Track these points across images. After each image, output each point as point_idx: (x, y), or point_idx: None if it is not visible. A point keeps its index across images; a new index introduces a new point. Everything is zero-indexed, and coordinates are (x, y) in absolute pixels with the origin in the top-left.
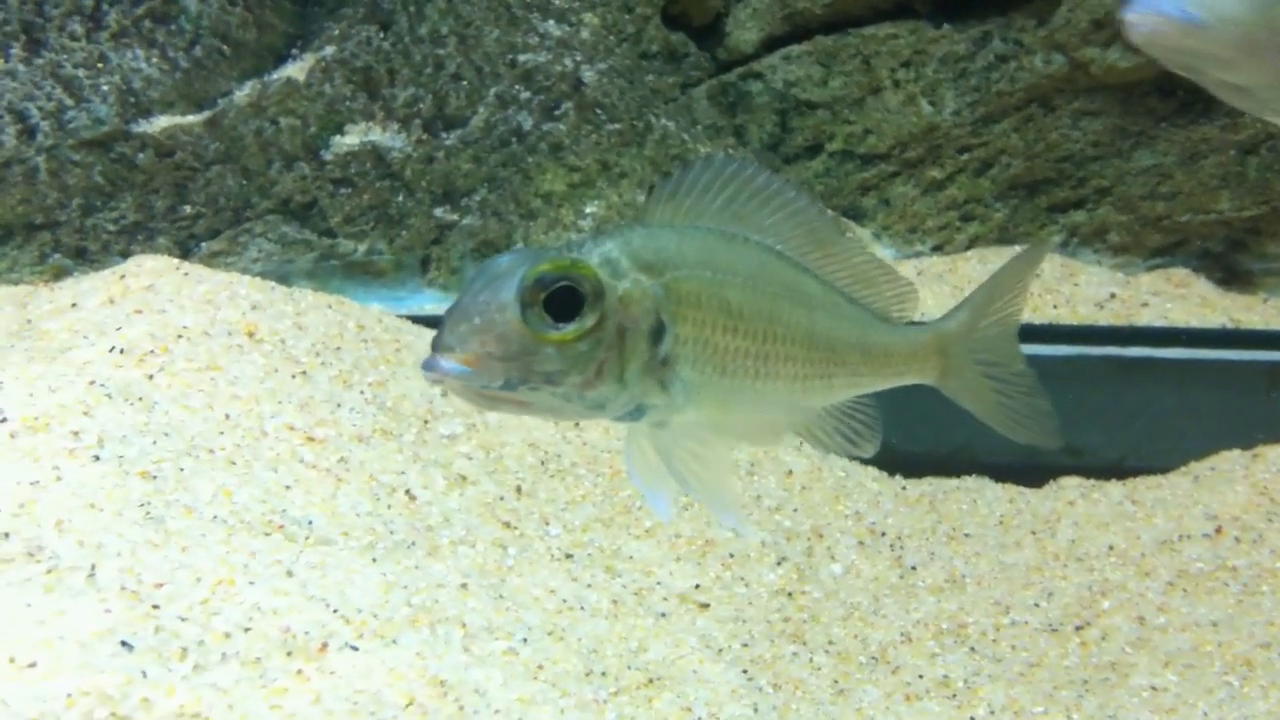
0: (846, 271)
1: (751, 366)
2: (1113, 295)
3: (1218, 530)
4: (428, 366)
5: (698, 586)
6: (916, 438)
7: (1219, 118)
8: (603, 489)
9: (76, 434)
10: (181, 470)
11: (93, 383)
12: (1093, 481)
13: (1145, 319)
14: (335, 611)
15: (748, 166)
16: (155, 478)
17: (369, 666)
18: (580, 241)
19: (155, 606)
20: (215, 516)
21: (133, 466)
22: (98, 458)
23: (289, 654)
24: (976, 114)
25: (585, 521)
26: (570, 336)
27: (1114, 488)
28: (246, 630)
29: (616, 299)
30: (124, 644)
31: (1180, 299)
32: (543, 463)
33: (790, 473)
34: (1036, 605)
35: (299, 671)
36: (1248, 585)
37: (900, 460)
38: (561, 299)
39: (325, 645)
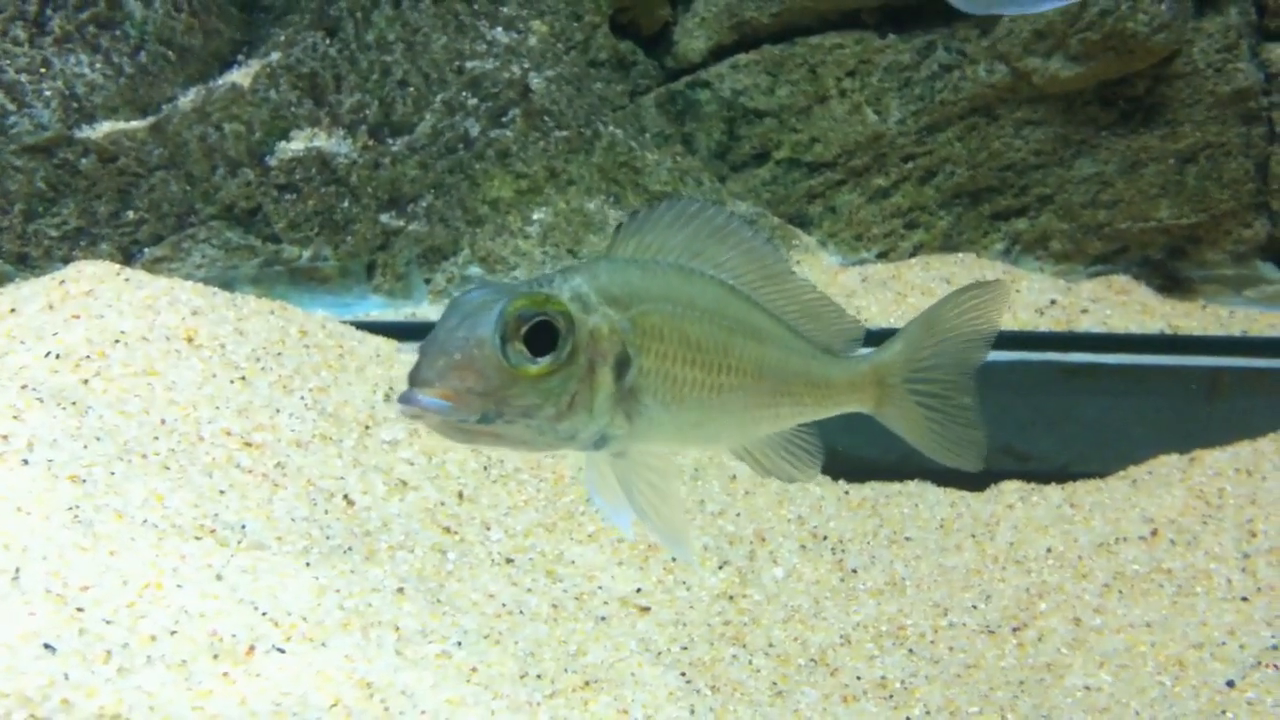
0: (796, 306)
1: (706, 398)
2: (1053, 302)
3: (1154, 533)
4: (405, 400)
5: (639, 590)
6: (864, 444)
7: (1159, 127)
8: (546, 494)
9: (5, 438)
10: (113, 474)
11: (25, 387)
12: (1033, 485)
13: (1085, 325)
14: (264, 615)
15: (709, 207)
16: (85, 481)
17: (296, 669)
18: (549, 277)
19: (80, 609)
20: (145, 520)
21: (62, 470)
22: (26, 461)
23: (215, 657)
24: (921, 123)
25: (527, 526)
26: (546, 370)
27: (1053, 491)
28: (173, 633)
29: (587, 333)
30: (47, 646)
31: (1121, 306)
32: (485, 468)
33: (734, 478)
34: (975, 607)
35: (225, 674)
36: (1182, 587)
37: (849, 466)
38: (537, 334)
39: (252, 648)
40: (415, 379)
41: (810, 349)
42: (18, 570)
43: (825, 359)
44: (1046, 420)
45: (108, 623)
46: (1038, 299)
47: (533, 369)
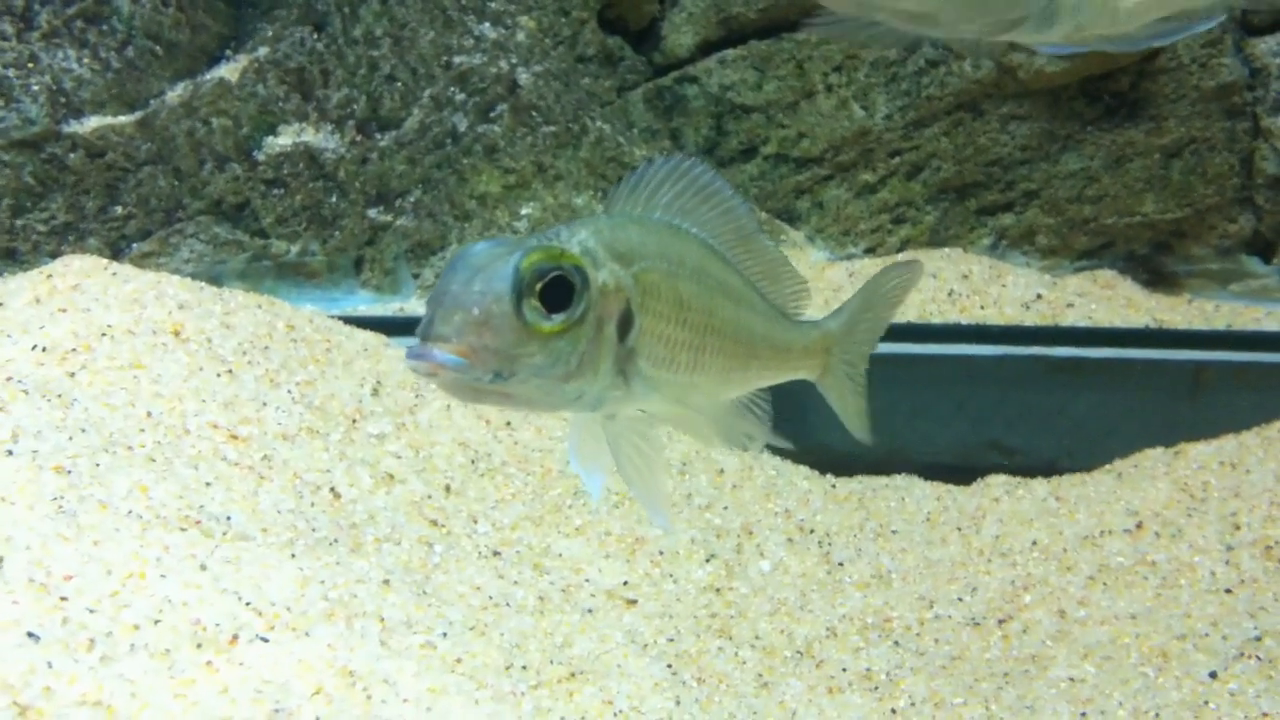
0: (760, 267)
1: (690, 358)
2: (1039, 296)
3: (1138, 526)
4: (417, 356)
5: (626, 583)
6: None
7: (1144, 122)
8: (533, 488)
9: None
10: (98, 466)
11: (10, 379)
12: (1018, 479)
13: (1070, 319)
14: (248, 605)
15: (699, 164)
16: (70, 472)
17: (278, 658)
18: (554, 230)
19: (64, 599)
20: (130, 511)
21: (47, 461)
22: (11, 452)
23: (198, 646)
24: (907, 118)
25: (514, 520)
26: (560, 328)
27: (1039, 485)
28: (156, 622)
29: (597, 289)
30: (30, 635)
31: (1106, 300)
32: (473, 462)
33: (721, 471)
34: (960, 600)
35: (208, 663)
36: (1166, 579)
37: (836, 459)
38: (553, 290)
39: (236, 637)
40: (428, 334)
41: (773, 312)
42: (1, 560)
43: (784, 323)
44: (1032, 414)
45: (91, 612)
46: (1023, 293)
47: (547, 326)
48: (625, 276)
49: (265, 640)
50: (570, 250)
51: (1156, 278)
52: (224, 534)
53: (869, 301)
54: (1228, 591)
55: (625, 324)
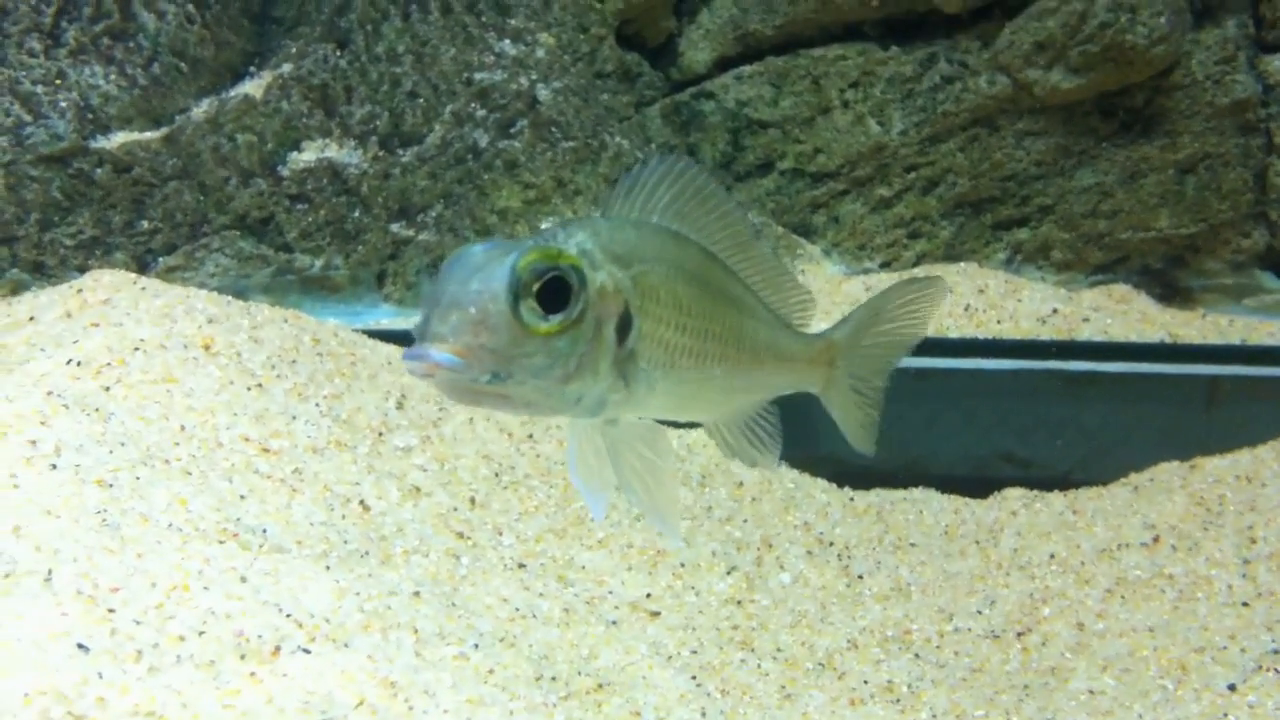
0: (760, 276)
1: (692, 364)
2: (1055, 311)
3: (1155, 539)
4: (415, 356)
5: (649, 595)
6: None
7: (1159, 138)
8: (556, 500)
9: (33, 443)
10: (137, 479)
11: (50, 393)
12: (1035, 492)
13: (1086, 334)
14: (288, 616)
15: (693, 166)
16: (111, 486)
17: (320, 669)
18: (551, 231)
19: (111, 610)
20: (170, 524)
21: (89, 475)
22: (55, 466)
23: (242, 657)
24: (923, 134)
25: (538, 532)
26: (557, 328)
27: (1056, 498)
28: (200, 634)
29: (595, 291)
30: (80, 646)
31: (1121, 315)
32: (496, 474)
33: (741, 484)
34: (979, 612)
35: (252, 673)
36: (1183, 592)
37: (854, 472)
38: (550, 290)
39: (278, 649)
40: (425, 334)
41: (776, 321)
42: (50, 572)
43: (788, 333)
44: (1048, 428)
45: (138, 623)
46: (1039, 308)
47: (544, 327)
48: (624, 278)
49: (307, 651)
50: (568, 251)
51: (1171, 292)
52: (261, 546)
53: (877, 314)
54: (1245, 605)
55: (624, 326)
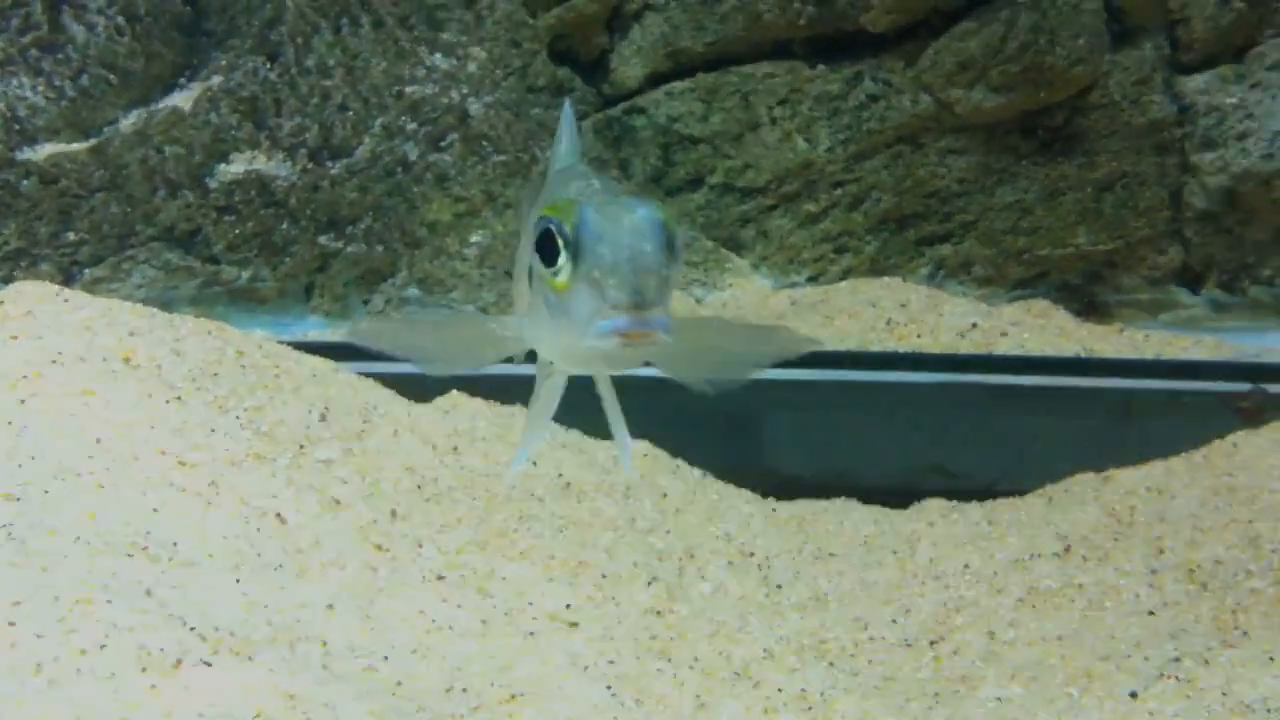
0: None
1: None
2: (974, 325)
3: (1067, 549)
4: (642, 325)
5: (569, 606)
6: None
7: (1077, 156)
8: (479, 513)
9: None
10: (47, 493)
11: None
12: (954, 503)
13: (1004, 347)
14: (192, 629)
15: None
16: (19, 500)
17: (221, 681)
18: (603, 185)
19: (11, 624)
20: (78, 537)
21: None
22: None
23: (143, 669)
24: (849, 151)
25: (460, 544)
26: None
27: (973, 509)
28: (102, 647)
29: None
30: None
31: (1039, 329)
32: (419, 487)
33: (665, 495)
34: (894, 621)
35: (152, 686)
36: (1092, 601)
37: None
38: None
39: (180, 661)
40: (637, 302)
41: None
42: None
43: None
44: (971, 440)
45: (39, 637)
46: (960, 322)
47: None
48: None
49: (209, 664)
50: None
51: (1089, 307)
52: (170, 559)
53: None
54: (1151, 614)
55: None
